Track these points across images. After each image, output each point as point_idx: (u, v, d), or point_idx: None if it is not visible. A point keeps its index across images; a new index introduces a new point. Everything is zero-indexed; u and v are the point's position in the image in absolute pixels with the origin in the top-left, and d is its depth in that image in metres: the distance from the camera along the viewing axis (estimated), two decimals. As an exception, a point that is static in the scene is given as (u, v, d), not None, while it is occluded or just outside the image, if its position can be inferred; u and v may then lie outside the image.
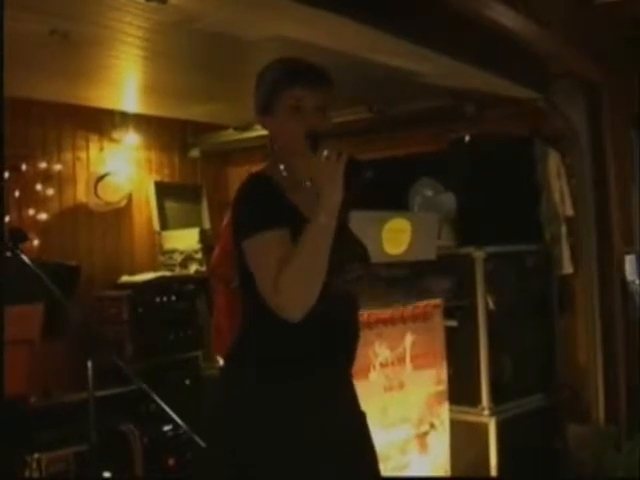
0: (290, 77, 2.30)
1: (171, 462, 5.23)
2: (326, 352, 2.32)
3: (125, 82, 5.37)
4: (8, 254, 3.22)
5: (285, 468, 2.21)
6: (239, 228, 2.26)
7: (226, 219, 4.61)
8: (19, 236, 3.37)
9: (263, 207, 2.23)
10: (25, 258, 3.19)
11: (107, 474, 3.96)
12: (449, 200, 5.11)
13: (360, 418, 2.46)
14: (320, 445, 2.26)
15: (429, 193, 5.20)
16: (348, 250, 2.35)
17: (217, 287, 4.57)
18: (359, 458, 2.39)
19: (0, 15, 2.63)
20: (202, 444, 2.37)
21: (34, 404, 4.17)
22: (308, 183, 2.36)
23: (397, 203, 5.23)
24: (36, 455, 3.88)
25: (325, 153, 2.14)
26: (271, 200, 2.24)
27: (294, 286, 2.11)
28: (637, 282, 5.55)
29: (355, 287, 2.38)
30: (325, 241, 2.13)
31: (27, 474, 3.84)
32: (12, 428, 3.47)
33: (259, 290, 2.17)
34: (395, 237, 4.32)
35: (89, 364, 3.00)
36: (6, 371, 2.48)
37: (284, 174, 2.35)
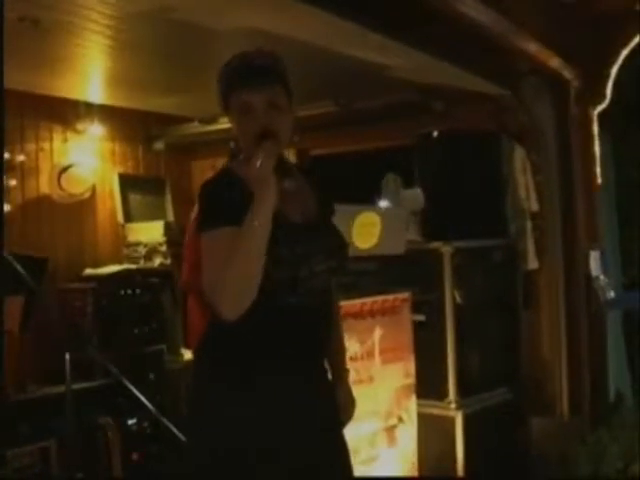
0: (237, 80, 2.31)
1: (135, 457, 5.17)
2: (294, 343, 2.32)
3: (91, 72, 5.31)
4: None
5: (261, 460, 2.23)
6: (198, 224, 2.26)
7: (187, 233, 4.58)
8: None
9: (221, 203, 2.24)
10: (-1, 249, 3.14)
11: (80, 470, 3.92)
12: (417, 195, 5.12)
13: (333, 409, 2.48)
14: (293, 436, 2.28)
15: (397, 188, 5.21)
16: (317, 244, 2.34)
17: (190, 297, 4.55)
18: (331, 450, 2.42)
19: (0, 14, 2.59)
20: (182, 438, 2.34)
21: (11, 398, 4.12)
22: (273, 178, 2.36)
23: (364, 198, 5.23)
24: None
25: (259, 158, 2.13)
26: (231, 196, 2.23)
27: (227, 287, 2.11)
28: (601, 278, 5.61)
29: (327, 280, 2.39)
30: (258, 243, 2.12)
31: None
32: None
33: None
34: (365, 231, 4.32)
35: (67, 357, 2.96)
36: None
37: (241, 169, 2.30)
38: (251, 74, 2.31)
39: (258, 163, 2.12)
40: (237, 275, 2.11)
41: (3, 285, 2.56)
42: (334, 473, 2.42)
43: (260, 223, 2.11)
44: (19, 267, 2.59)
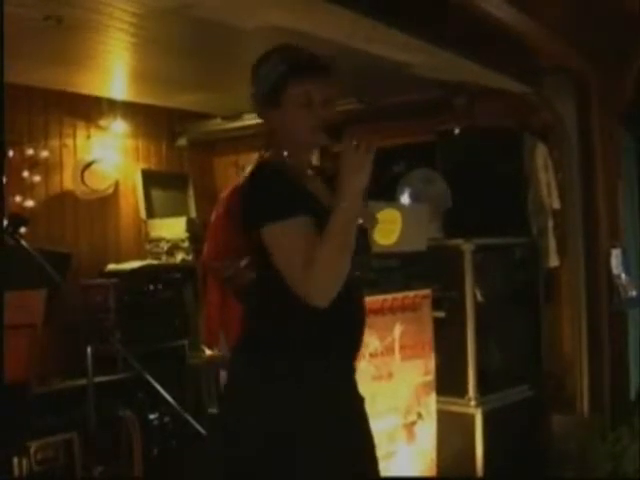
0: (297, 71, 2.31)
1: (156, 451, 5.20)
2: (343, 336, 2.38)
3: (114, 69, 5.35)
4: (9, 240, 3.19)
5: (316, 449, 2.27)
6: (258, 215, 2.24)
7: (215, 213, 4.63)
8: (19, 221, 3.34)
9: (285, 194, 2.24)
10: (25, 244, 3.16)
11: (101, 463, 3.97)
12: (443, 191, 5.12)
13: (362, 402, 2.51)
14: (339, 427, 2.33)
15: (421, 184, 5.20)
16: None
17: (210, 282, 4.59)
18: (366, 440, 2.46)
19: (0, 14, 2.62)
20: (202, 431, 2.36)
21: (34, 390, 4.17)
22: (310, 172, 2.42)
23: (386, 194, 5.23)
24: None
25: (354, 142, 2.16)
26: (291, 188, 2.26)
27: (326, 273, 2.15)
28: (622, 276, 5.59)
29: (361, 275, 2.44)
30: (351, 227, 2.17)
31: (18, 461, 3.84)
32: (13, 414, 3.46)
33: (285, 277, 2.18)
34: (386, 228, 4.32)
35: (88, 350, 2.99)
36: (9, 356, 2.47)
37: (289, 163, 2.36)
38: (315, 64, 2.35)
39: (362, 148, 2.16)
40: (334, 260, 2.16)
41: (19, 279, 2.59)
42: (372, 460, 2.47)
43: (351, 206, 2.15)
44: (43, 261, 2.62)
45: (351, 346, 2.43)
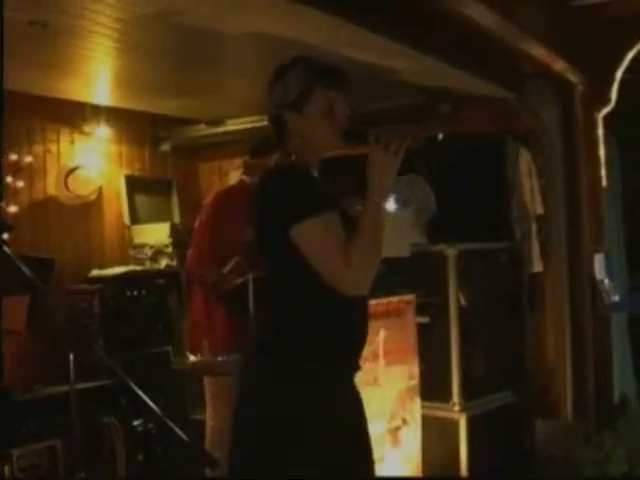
0: (326, 80, 2.44)
1: (140, 457, 5.19)
2: (350, 338, 2.50)
3: (98, 74, 5.34)
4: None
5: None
6: (289, 214, 2.32)
7: (199, 219, 4.63)
8: (2, 227, 3.31)
9: (313, 192, 2.35)
10: (7, 250, 3.14)
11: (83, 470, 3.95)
12: (427, 196, 5.14)
13: (363, 403, 2.63)
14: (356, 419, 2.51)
15: (405, 189, 5.22)
16: None
17: (194, 287, 4.59)
18: (367, 440, 2.58)
19: (0, 15, 2.61)
20: (185, 438, 2.36)
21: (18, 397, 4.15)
22: (315, 174, 2.50)
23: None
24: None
25: (384, 142, 2.33)
26: (315, 186, 2.39)
27: (365, 262, 2.28)
28: (606, 281, 5.61)
29: None
30: (381, 220, 2.31)
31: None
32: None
33: (323, 270, 2.29)
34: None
35: (71, 357, 2.98)
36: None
37: (301, 165, 2.46)
38: (342, 76, 2.50)
39: (392, 149, 2.32)
40: (371, 250, 2.29)
41: (3, 285, 2.58)
42: (371, 462, 2.58)
43: (381, 200, 2.32)
44: (25, 268, 2.60)
45: (357, 347, 2.54)
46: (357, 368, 2.56)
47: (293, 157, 2.45)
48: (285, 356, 2.40)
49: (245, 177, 4.44)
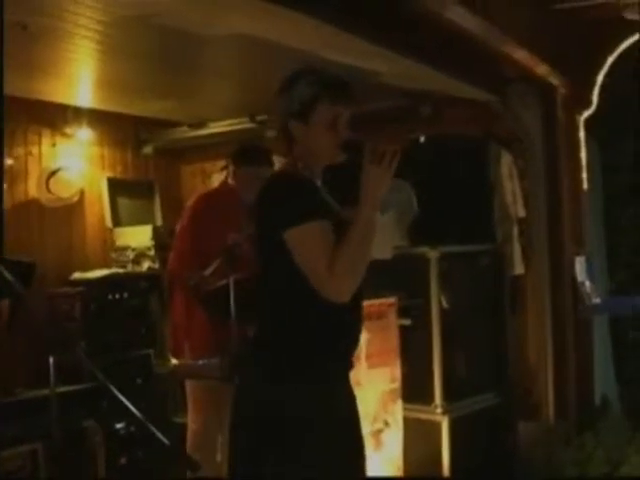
0: (332, 93, 2.48)
1: (122, 461, 5.17)
2: (344, 338, 2.55)
3: (80, 76, 5.32)
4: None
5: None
6: (284, 218, 2.39)
7: (180, 223, 4.61)
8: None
9: (309, 200, 2.41)
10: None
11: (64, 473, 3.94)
12: (409, 198, 5.14)
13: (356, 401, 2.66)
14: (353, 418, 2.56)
15: (387, 192, 5.21)
16: None
17: (175, 290, 4.57)
18: (360, 438, 2.62)
19: (0, 17, 2.60)
20: (166, 442, 2.35)
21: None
22: (319, 182, 2.57)
23: (350, 203, 5.23)
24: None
25: (378, 154, 2.38)
26: (312, 195, 2.45)
27: (348, 270, 2.33)
28: (587, 283, 5.63)
29: None
30: (370, 231, 2.38)
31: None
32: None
33: (308, 275, 2.35)
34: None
35: (51, 360, 2.97)
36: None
37: (304, 174, 2.52)
38: (347, 89, 2.53)
39: (385, 161, 2.37)
40: (356, 259, 2.35)
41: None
42: (364, 459, 2.61)
43: (372, 212, 2.40)
44: (4, 271, 2.58)
45: (351, 346, 2.59)
46: (351, 366, 2.60)
47: (300, 165, 2.52)
48: (281, 356, 2.45)
49: (230, 181, 4.42)
